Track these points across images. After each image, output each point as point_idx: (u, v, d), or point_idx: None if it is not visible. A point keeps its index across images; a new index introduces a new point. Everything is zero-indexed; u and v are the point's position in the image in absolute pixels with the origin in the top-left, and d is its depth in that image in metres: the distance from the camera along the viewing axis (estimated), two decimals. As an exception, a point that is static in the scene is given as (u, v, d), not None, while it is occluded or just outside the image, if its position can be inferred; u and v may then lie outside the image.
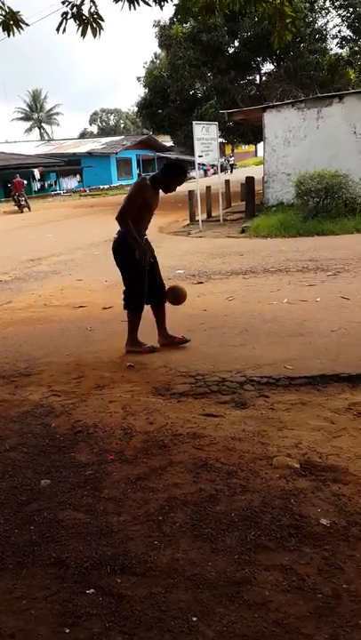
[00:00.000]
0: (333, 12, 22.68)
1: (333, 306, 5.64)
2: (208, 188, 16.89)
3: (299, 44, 21.15)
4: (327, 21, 23.71)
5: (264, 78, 25.09)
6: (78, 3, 4.87)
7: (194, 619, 1.84)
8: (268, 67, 24.67)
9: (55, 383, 4.13)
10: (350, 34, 23.02)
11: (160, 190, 4.50)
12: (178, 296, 4.88)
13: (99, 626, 1.84)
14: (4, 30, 5.02)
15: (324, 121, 13.77)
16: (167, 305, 4.81)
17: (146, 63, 28.83)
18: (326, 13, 22.76)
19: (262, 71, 25.05)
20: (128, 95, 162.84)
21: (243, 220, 14.26)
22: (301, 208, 12.20)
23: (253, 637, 1.76)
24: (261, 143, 16.30)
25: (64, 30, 4.88)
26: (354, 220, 11.35)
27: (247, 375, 3.97)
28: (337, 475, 2.61)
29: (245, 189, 15.29)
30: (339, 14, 22.61)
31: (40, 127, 65.98)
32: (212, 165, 22.43)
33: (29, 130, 65.48)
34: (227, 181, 19.82)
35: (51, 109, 66.82)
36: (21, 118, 65.48)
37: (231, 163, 44.39)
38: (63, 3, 4.86)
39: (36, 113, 65.46)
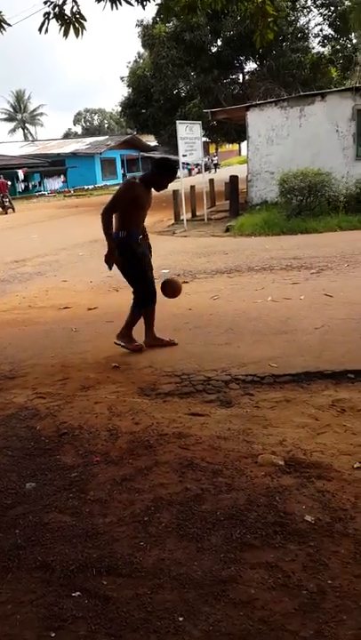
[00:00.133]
0: (315, 10, 22.81)
1: (317, 303, 5.68)
2: (192, 187, 16.87)
3: (281, 42, 21.22)
4: (309, 20, 23.95)
5: (247, 77, 25.14)
6: (60, 3, 4.84)
7: (180, 619, 1.84)
8: (250, 66, 24.78)
9: (40, 385, 4.11)
10: (332, 32, 23.16)
11: (152, 189, 4.50)
12: (174, 288, 4.91)
13: (85, 629, 1.84)
14: (-15, 31, 4.99)
15: (307, 119, 13.84)
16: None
17: (129, 63, 28.84)
18: (308, 12, 22.90)
19: (245, 70, 25.12)
20: (112, 95, 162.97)
21: (227, 219, 14.28)
22: (285, 206, 12.26)
23: (239, 636, 1.76)
24: (245, 142, 16.33)
25: (46, 30, 4.85)
26: (337, 217, 11.43)
27: (232, 374, 3.98)
28: (321, 471, 2.64)
29: (229, 188, 15.32)
30: (320, 13, 22.74)
31: (24, 128, 65.49)
32: (197, 165, 22.37)
33: (13, 130, 65.11)
34: (211, 180, 19.82)
35: (34, 110, 66.37)
36: (5, 119, 65.06)
37: (215, 162, 44.45)
38: (45, 3, 4.83)
39: (20, 113, 64.93)
